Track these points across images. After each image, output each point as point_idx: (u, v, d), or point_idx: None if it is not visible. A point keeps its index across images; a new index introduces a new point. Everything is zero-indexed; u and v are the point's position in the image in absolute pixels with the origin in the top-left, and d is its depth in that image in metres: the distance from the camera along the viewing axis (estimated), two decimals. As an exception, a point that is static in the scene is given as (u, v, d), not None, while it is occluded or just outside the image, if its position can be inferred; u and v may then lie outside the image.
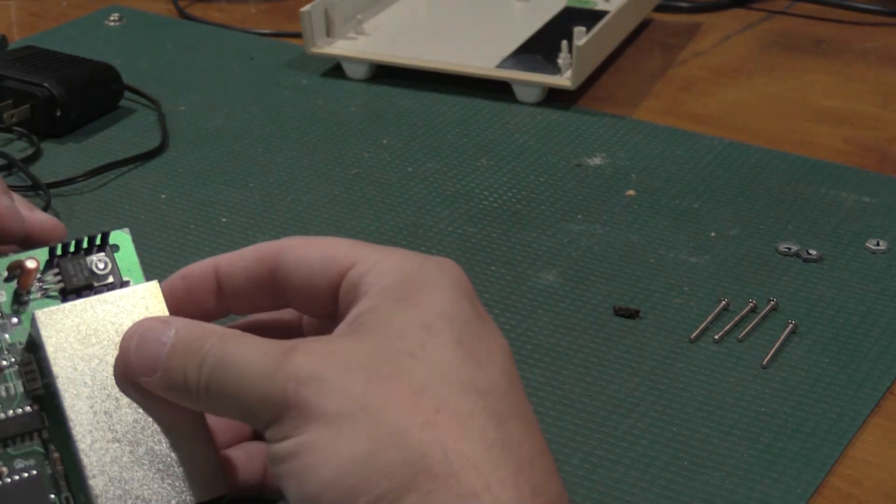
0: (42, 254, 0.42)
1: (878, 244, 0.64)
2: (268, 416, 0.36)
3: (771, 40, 0.91)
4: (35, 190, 0.69)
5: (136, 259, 0.43)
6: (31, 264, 0.41)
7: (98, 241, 0.42)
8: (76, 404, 0.39)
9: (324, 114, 0.79)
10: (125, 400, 0.39)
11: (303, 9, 0.82)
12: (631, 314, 0.58)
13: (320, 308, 0.40)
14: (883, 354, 0.56)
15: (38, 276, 0.41)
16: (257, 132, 0.77)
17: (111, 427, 0.39)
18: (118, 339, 0.40)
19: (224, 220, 0.67)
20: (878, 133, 0.77)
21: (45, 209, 0.67)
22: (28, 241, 0.47)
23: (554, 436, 0.51)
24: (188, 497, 0.39)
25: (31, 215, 0.48)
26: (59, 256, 0.42)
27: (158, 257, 0.63)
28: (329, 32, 0.85)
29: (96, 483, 0.38)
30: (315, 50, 0.84)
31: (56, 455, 0.39)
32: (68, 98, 0.75)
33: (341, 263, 0.39)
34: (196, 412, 0.39)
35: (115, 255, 0.42)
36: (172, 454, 0.39)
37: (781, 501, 0.47)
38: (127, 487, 0.38)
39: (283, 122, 0.78)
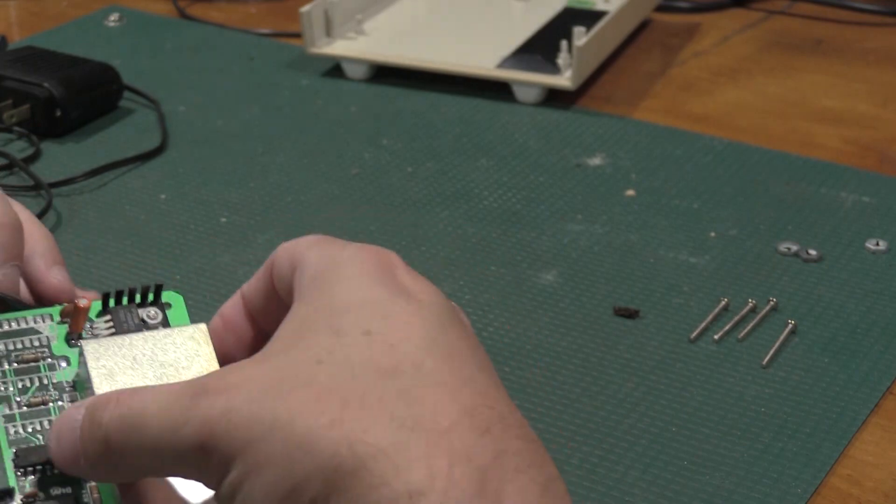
0: (96, 304, 0.42)
1: (877, 244, 0.64)
2: (195, 467, 0.34)
3: (771, 40, 0.91)
4: (36, 190, 0.69)
5: (188, 320, 0.43)
6: (83, 303, 0.41)
7: (151, 297, 0.43)
8: None
9: (324, 114, 0.79)
10: None
11: (303, 9, 0.82)
12: (631, 314, 0.58)
13: None
14: (883, 354, 0.56)
15: (91, 321, 0.42)
16: (257, 132, 0.77)
17: None
18: (163, 374, 0.40)
19: (224, 220, 0.67)
20: (877, 133, 0.77)
21: (47, 209, 0.67)
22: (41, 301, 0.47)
23: (554, 436, 0.51)
24: None
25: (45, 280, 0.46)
26: (112, 306, 0.42)
27: (158, 257, 0.63)
28: (329, 32, 0.85)
29: None
30: (315, 50, 0.84)
31: (92, 484, 0.39)
32: (68, 98, 0.75)
33: (291, 267, 0.39)
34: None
35: (167, 311, 0.43)
36: None
37: (781, 501, 0.47)
38: None
39: (283, 122, 0.78)
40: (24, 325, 0.42)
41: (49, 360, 0.41)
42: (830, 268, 0.62)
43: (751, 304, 0.59)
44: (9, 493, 0.37)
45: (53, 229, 0.65)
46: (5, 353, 0.41)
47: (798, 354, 0.56)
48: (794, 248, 0.63)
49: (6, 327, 0.42)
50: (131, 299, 0.43)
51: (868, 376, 0.54)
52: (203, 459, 0.34)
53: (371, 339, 0.35)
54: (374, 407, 0.33)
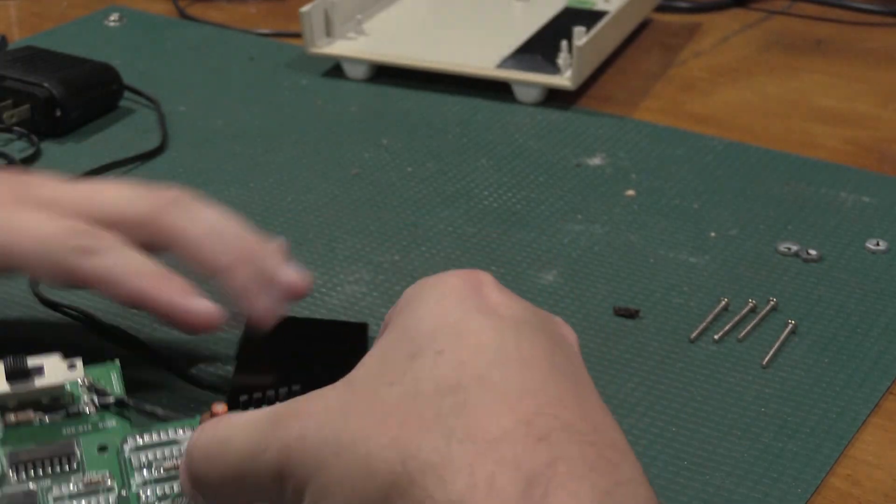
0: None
1: (877, 244, 0.64)
2: (275, 494, 0.35)
3: (771, 40, 0.91)
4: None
5: None
6: (220, 409, 0.41)
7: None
8: None
9: (324, 114, 0.79)
10: None
11: (303, 9, 0.82)
12: (631, 314, 0.58)
13: None
14: (883, 354, 0.56)
15: None
16: (257, 132, 0.77)
17: None
18: None
19: (224, 220, 0.67)
20: (877, 133, 0.77)
21: None
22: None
23: (554, 436, 0.51)
24: None
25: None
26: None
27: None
28: (329, 32, 0.85)
29: None
30: (315, 50, 0.84)
31: None
32: (68, 98, 0.75)
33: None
34: None
35: None
36: None
37: (781, 501, 0.47)
38: None
39: (283, 122, 0.78)
40: (164, 438, 0.43)
41: None
42: (830, 268, 0.62)
43: (751, 304, 0.59)
44: None
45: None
46: (149, 463, 0.42)
47: (798, 354, 0.56)
48: (794, 248, 0.63)
49: (147, 439, 0.42)
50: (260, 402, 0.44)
51: (868, 376, 0.54)
52: (281, 486, 0.34)
53: (442, 358, 0.34)
54: (430, 423, 0.33)
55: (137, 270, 0.46)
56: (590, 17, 0.85)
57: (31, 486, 0.40)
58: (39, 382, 0.42)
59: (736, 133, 0.76)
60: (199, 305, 0.46)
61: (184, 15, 0.96)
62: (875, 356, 0.56)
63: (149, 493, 0.41)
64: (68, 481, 0.41)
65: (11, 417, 0.42)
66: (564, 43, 0.80)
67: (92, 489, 0.41)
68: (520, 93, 0.80)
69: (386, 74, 0.84)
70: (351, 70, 0.84)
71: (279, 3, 0.98)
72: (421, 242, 0.65)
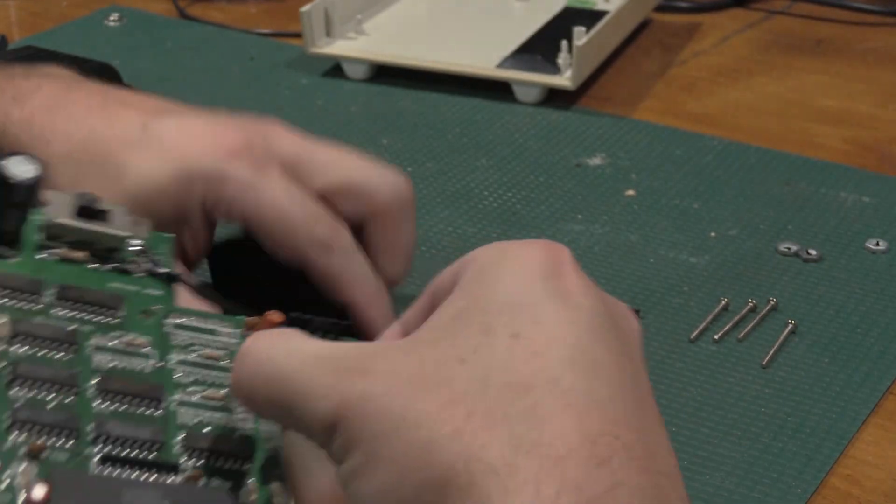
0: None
1: (877, 244, 0.64)
2: (319, 438, 0.35)
3: (771, 40, 0.91)
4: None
5: None
6: (276, 317, 0.41)
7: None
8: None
9: (324, 114, 0.79)
10: None
11: (303, 9, 0.82)
12: (631, 314, 0.58)
13: None
14: (883, 354, 0.56)
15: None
16: (257, 132, 0.77)
17: None
18: None
19: (224, 220, 0.67)
20: (877, 133, 0.77)
21: None
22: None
23: (554, 436, 0.51)
24: None
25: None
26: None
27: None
28: (329, 32, 0.85)
29: None
30: (315, 50, 0.84)
31: (252, 482, 0.39)
32: (68, 98, 0.75)
33: (456, 273, 0.38)
34: None
35: None
36: None
37: (781, 501, 0.47)
38: None
39: (283, 122, 0.78)
40: (206, 325, 0.42)
41: (228, 363, 0.41)
42: (830, 268, 0.62)
43: (751, 304, 0.59)
44: (174, 468, 0.37)
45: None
46: (187, 344, 0.41)
47: (798, 354, 0.56)
48: (794, 248, 0.63)
49: (194, 323, 0.41)
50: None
51: (868, 376, 0.54)
52: (329, 436, 0.34)
53: (517, 344, 0.34)
54: (497, 423, 0.32)
55: (363, 282, 0.51)
56: (590, 17, 0.85)
57: (74, 326, 0.39)
58: (103, 227, 0.42)
59: (736, 133, 0.76)
60: (384, 334, 0.45)
61: (184, 15, 0.96)
62: (875, 356, 0.56)
63: (181, 373, 0.40)
64: (108, 334, 0.40)
65: (64, 251, 0.41)
66: (564, 43, 0.80)
67: (132, 350, 0.40)
68: (520, 93, 0.80)
69: (386, 74, 0.84)
70: (351, 70, 0.84)
71: (279, 3, 0.98)
72: (421, 242, 0.64)
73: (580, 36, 0.78)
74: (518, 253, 0.36)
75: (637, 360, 0.37)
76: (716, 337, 0.57)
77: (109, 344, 0.39)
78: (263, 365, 0.36)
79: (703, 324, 0.57)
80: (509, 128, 0.77)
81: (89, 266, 0.41)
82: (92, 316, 0.40)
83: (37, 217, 0.41)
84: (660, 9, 0.95)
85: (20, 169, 0.40)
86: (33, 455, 0.35)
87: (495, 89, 0.81)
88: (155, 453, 0.37)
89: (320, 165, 0.52)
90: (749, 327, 0.57)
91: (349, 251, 0.51)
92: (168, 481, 0.37)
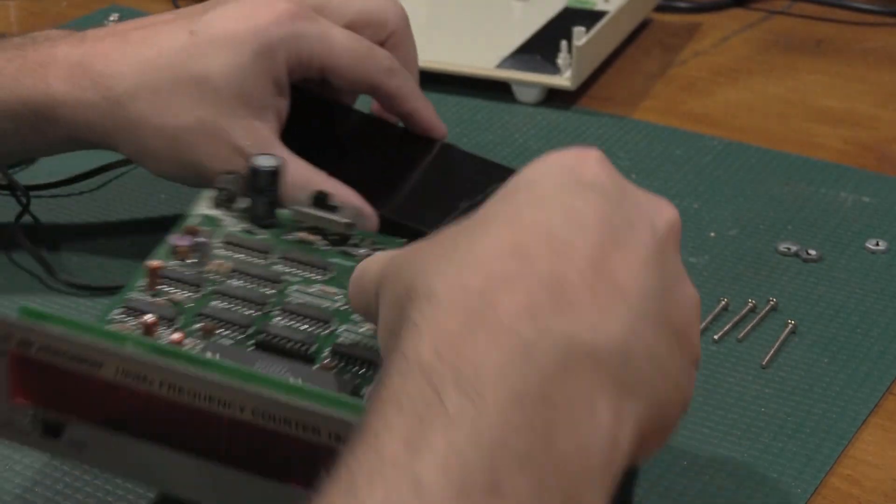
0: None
1: (877, 244, 0.64)
2: (373, 295, 0.41)
3: (771, 40, 0.91)
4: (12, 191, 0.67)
5: None
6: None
7: None
8: None
9: (324, 114, 0.79)
10: None
11: (303, 9, 0.82)
12: (631, 314, 0.58)
13: None
14: (883, 354, 0.56)
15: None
16: (257, 132, 0.77)
17: None
18: None
19: (224, 220, 0.67)
20: (877, 133, 0.77)
21: (24, 212, 0.65)
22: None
23: (554, 436, 0.51)
24: None
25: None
26: None
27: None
28: (329, 32, 0.85)
29: None
30: (315, 50, 0.83)
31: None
32: (68, 98, 0.75)
33: None
34: None
35: None
36: None
37: (781, 501, 0.47)
38: None
39: (282, 122, 0.78)
40: None
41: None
42: (830, 268, 0.62)
43: (750, 304, 0.59)
44: (311, 360, 0.45)
45: (53, 229, 0.65)
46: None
47: (798, 354, 0.56)
48: (794, 248, 0.64)
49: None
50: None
51: (868, 376, 0.54)
52: (375, 293, 0.41)
53: (519, 203, 0.40)
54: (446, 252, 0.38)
55: (418, 93, 0.62)
56: (590, 17, 0.85)
57: (284, 273, 0.50)
58: (335, 216, 0.52)
59: (735, 133, 0.76)
60: (441, 127, 0.63)
61: (184, 15, 0.96)
62: (875, 356, 0.56)
63: (345, 337, 0.47)
64: (312, 286, 0.49)
65: (298, 234, 0.52)
66: (564, 43, 0.80)
67: (324, 295, 0.49)
68: (520, 93, 0.80)
69: (386, 74, 0.83)
70: (351, 70, 0.84)
71: (279, 3, 0.98)
72: (421, 242, 0.64)
73: (580, 36, 0.78)
74: (551, 155, 0.43)
75: (637, 222, 0.43)
76: (715, 337, 0.57)
77: (309, 290, 0.49)
78: (354, 279, 0.44)
79: (703, 324, 0.57)
80: (509, 128, 0.77)
81: (321, 249, 0.51)
82: (304, 274, 0.50)
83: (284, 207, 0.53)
84: (660, 9, 0.95)
85: (265, 162, 0.53)
86: (206, 335, 0.46)
87: (495, 89, 0.81)
88: (302, 351, 0.45)
89: (339, 5, 0.60)
90: (749, 327, 0.57)
91: (402, 71, 0.61)
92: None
